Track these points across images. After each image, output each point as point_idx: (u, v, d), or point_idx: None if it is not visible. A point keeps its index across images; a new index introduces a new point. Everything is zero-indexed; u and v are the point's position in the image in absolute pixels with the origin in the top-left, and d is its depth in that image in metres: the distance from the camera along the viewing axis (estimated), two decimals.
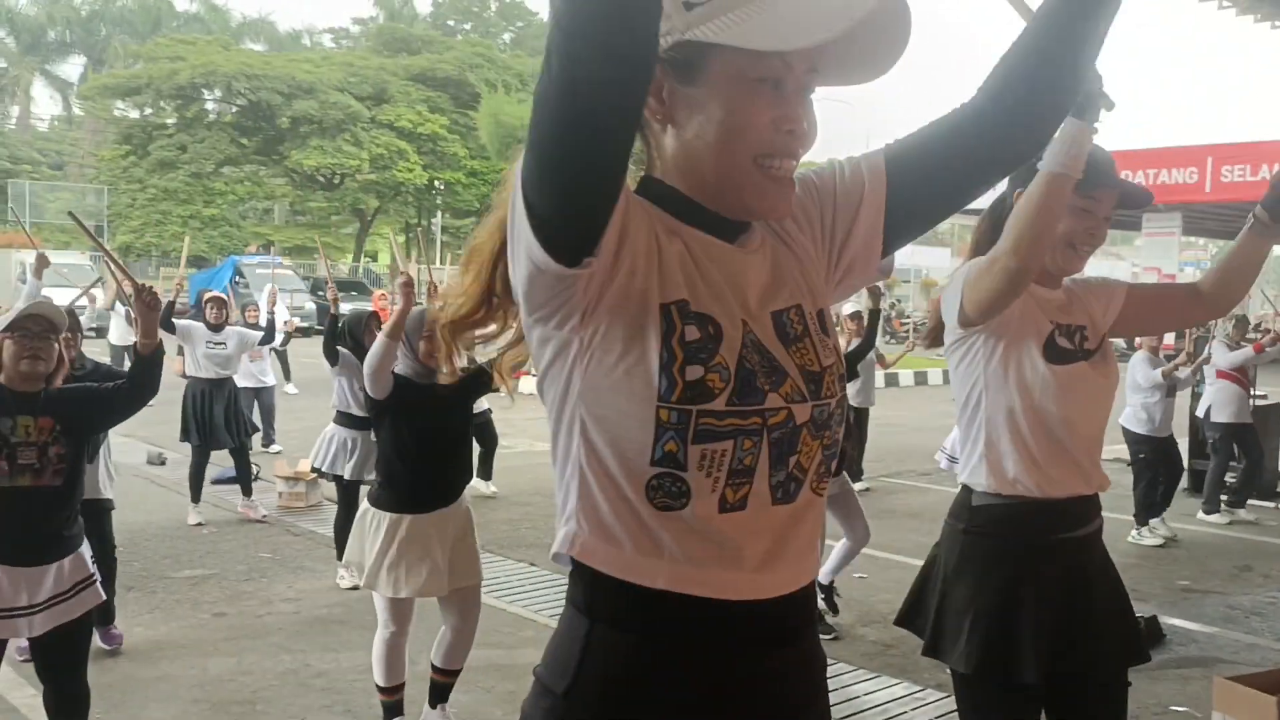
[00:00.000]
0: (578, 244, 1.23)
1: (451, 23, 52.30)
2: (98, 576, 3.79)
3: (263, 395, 10.96)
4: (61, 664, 3.76)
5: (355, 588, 6.43)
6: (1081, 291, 2.65)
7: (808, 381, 1.36)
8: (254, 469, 9.82)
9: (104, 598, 3.87)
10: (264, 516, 8.25)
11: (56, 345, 3.67)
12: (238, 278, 29.09)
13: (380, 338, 4.10)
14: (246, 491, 8.37)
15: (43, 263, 6.44)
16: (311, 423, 12.17)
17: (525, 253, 1.25)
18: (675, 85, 1.33)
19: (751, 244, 1.42)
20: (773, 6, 1.27)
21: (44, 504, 3.57)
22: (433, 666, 4.39)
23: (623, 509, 1.31)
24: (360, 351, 5.69)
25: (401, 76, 40.26)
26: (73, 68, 54.24)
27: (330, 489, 8.73)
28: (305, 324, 25.11)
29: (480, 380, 4.57)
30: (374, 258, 48.85)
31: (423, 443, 4.19)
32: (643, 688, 1.33)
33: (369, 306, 8.79)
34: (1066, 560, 2.56)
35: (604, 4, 1.09)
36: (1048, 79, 1.43)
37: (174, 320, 7.82)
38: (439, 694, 4.41)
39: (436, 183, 40.36)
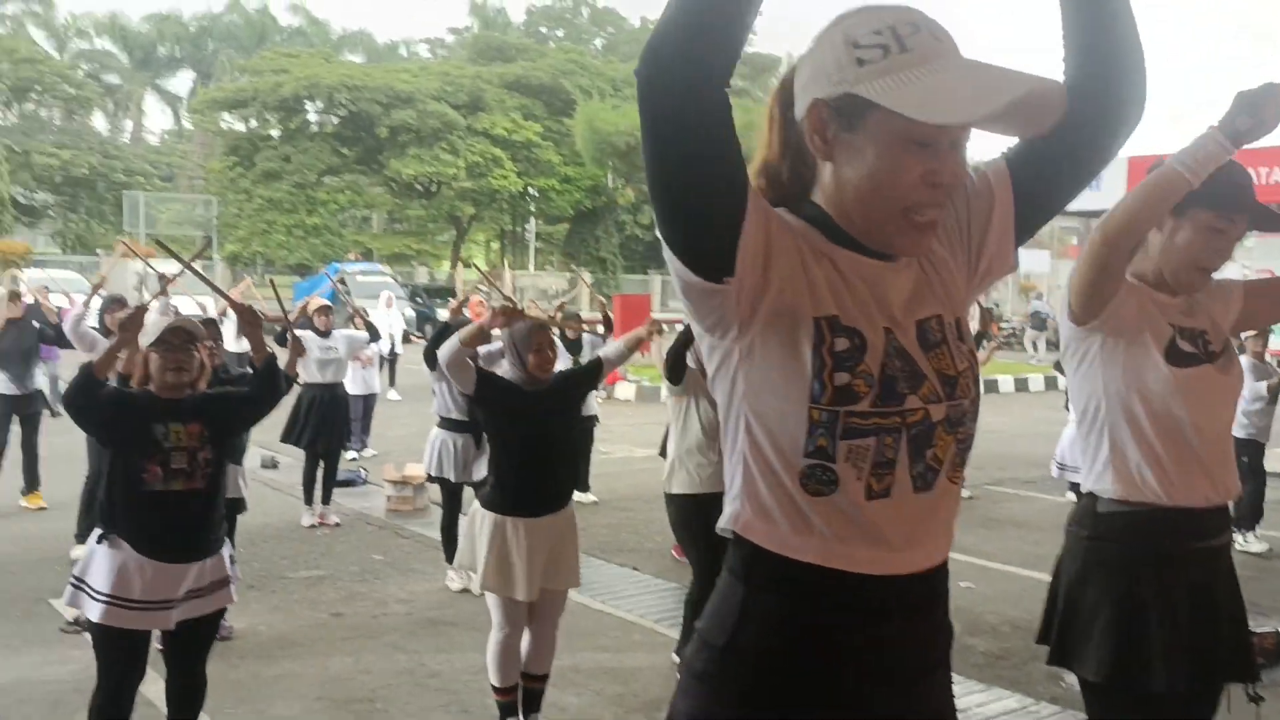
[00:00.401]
0: (710, 264, 1.41)
1: (544, 30, 52.92)
2: (235, 578, 3.98)
3: (368, 401, 11.26)
4: (184, 655, 3.95)
5: (465, 590, 6.59)
6: (1201, 295, 2.62)
7: (944, 384, 1.52)
8: (362, 473, 10.12)
9: (235, 600, 4.05)
10: (337, 524, 8.39)
11: (197, 355, 3.86)
12: (341, 285, 29.81)
13: (453, 339, 4.22)
14: (325, 499, 8.53)
15: (166, 281, 6.76)
16: (415, 428, 12.45)
17: (672, 267, 1.45)
18: (838, 130, 1.47)
19: (898, 261, 1.56)
20: (936, 75, 1.38)
21: (194, 506, 3.77)
22: (522, 675, 4.46)
23: (780, 493, 1.50)
24: None
25: (496, 84, 40.85)
26: (182, 83, 56.31)
27: (438, 493, 8.96)
28: (405, 330, 25.61)
29: (585, 383, 4.67)
30: (469, 265, 49.64)
31: (528, 448, 4.29)
32: (790, 644, 1.51)
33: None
34: (1196, 570, 2.53)
35: (681, 40, 1.30)
36: (1096, 43, 1.58)
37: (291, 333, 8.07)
38: (530, 702, 4.48)
39: (530, 189, 40.86)
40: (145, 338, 3.93)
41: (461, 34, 54.50)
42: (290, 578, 6.82)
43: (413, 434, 12.39)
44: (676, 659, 5.23)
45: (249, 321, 4.01)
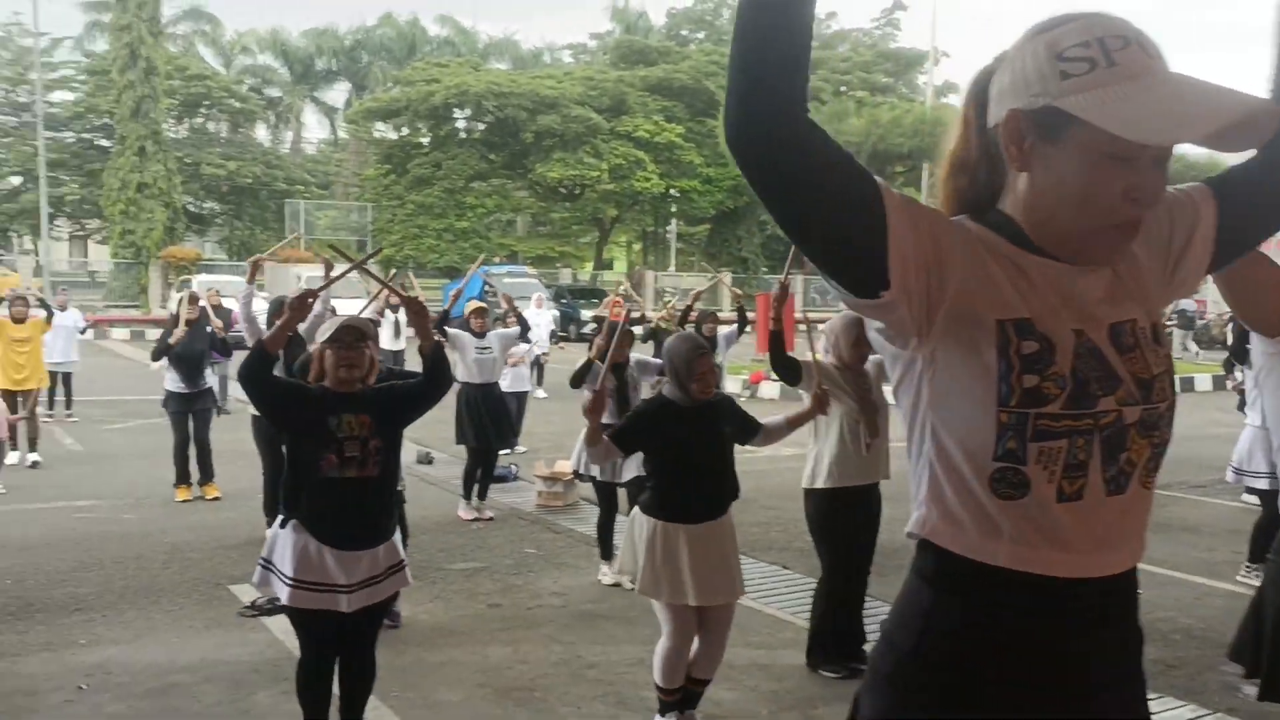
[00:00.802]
0: (863, 281, 1.42)
1: (685, 32, 53.02)
2: (407, 562, 4.14)
3: (520, 399, 11.50)
4: (359, 639, 4.12)
5: (616, 585, 6.68)
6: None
7: (1139, 387, 1.49)
8: (513, 469, 10.34)
9: (410, 583, 4.22)
10: (491, 518, 8.58)
11: (368, 351, 4.03)
12: (486, 286, 30.50)
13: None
14: (482, 495, 8.74)
15: (256, 269, 7.20)
16: (561, 426, 12.68)
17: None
18: (1036, 140, 1.45)
19: (1089, 265, 1.53)
20: (1145, 93, 1.35)
21: (366, 494, 3.94)
22: (686, 677, 4.46)
23: (967, 498, 1.49)
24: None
25: (639, 88, 41.14)
26: (338, 94, 58.36)
27: (588, 489, 9.09)
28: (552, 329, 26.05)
29: (738, 435, 4.59)
30: (610, 265, 50.21)
31: (684, 458, 4.30)
32: (977, 649, 1.50)
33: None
34: None
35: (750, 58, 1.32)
36: None
37: (445, 328, 8.32)
38: (689, 700, 4.49)
39: (672, 190, 41.02)
40: (321, 335, 4.12)
41: (604, 39, 55.06)
42: (449, 569, 7.02)
43: (560, 431, 12.62)
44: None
45: (417, 312, 4.19)
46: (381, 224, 39.53)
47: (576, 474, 7.33)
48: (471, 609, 6.25)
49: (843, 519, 5.17)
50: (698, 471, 4.33)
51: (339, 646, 4.11)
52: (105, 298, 34.19)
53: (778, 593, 6.62)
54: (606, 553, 6.86)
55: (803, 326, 5.27)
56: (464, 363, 8.62)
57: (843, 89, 41.18)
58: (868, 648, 5.11)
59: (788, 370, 4.97)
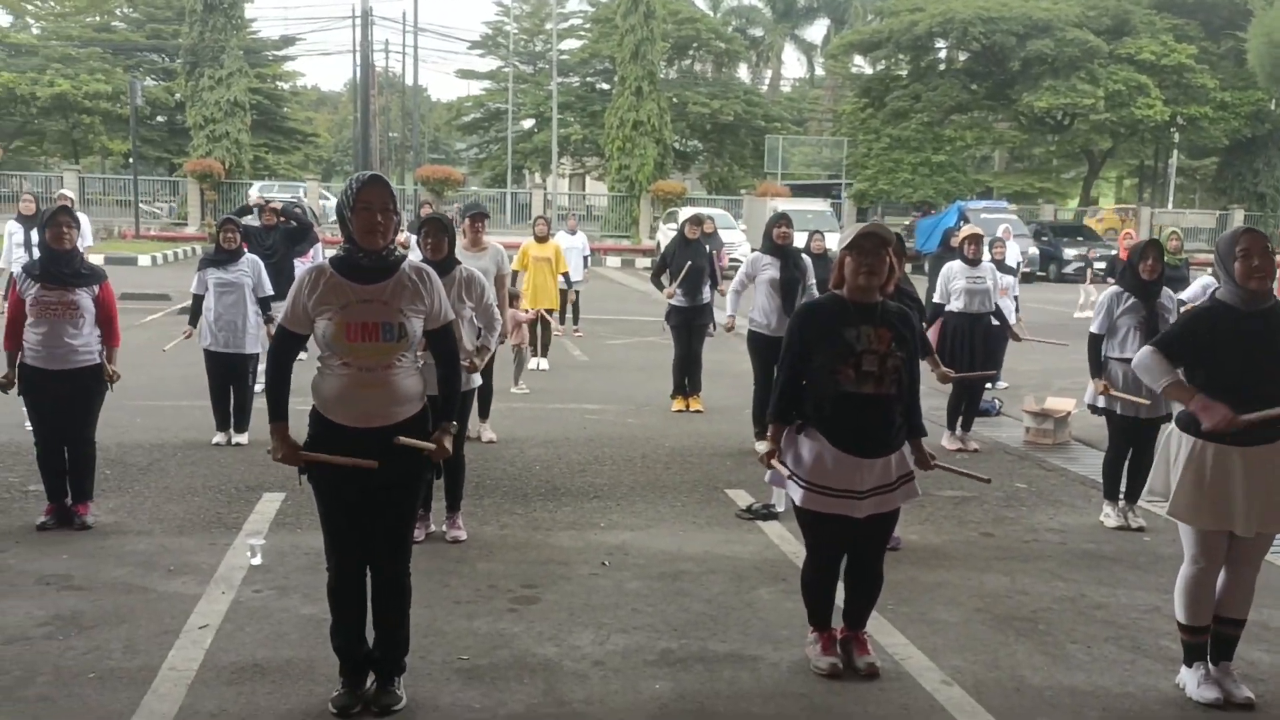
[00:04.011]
0: None
1: None
2: (915, 473, 4.10)
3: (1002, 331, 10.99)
4: (868, 547, 4.18)
5: (1122, 528, 6.23)
6: None
7: None
8: (996, 404, 9.95)
9: (919, 494, 4.18)
10: (976, 449, 8.30)
11: (888, 259, 3.98)
12: (963, 223, 29.50)
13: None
14: (966, 426, 8.54)
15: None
16: (1048, 364, 12.02)
17: None
18: None
19: None
20: None
21: (879, 411, 3.94)
22: (1215, 618, 4.03)
23: None
24: None
25: (1144, 5, 37.44)
26: (818, 30, 58.73)
27: (1080, 428, 8.56)
28: (1028, 269, 24.71)
29: None
30: (1095, 202, 46.54)
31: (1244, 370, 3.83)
32: None
33: (1104, 253, 8.35)
34: None
35: None
36: None
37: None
38: (1221, 648, 4.05)
39: (1178, 118, 37.07)
40: (841, 241, 4.13)
41: None
42: (936, 495, 6.90)
43: (1046, 369, 11.97)
44: None
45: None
46: (856, 159, 39.41)
47: (1092, 407, 6.70)
48: (963, 535, 6.11)
49: None
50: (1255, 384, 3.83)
51: (845, 550, 4.17)
52: (601, 228, 37.20)
53: None
54: (1112, 491, 6.39)
55: None
56: (956, 292, 8.35)
57: None
58: None
59: None
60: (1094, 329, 6.36)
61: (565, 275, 12.28)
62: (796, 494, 4.06)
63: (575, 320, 15.01)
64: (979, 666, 4.30)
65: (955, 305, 8.39)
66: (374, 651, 3.86)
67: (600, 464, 7.58)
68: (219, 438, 7.74)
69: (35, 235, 10.50)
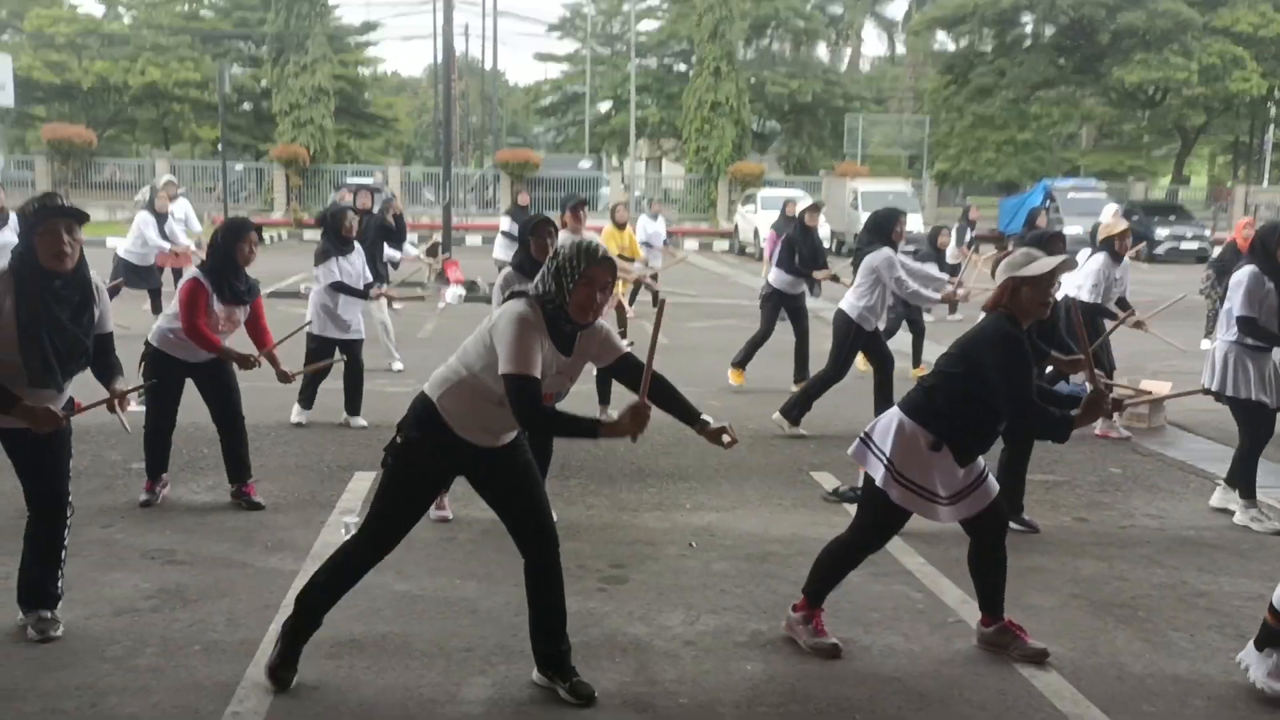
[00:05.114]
0: None
1: None
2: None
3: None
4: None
5: (1222, 510, 6.06)
6: None
7: None
8: (1086, 386, 9.72)
9: (994, 492, 4.19)
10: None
11: None
12: (1049, 202, 28.82)
13: None
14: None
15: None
16: (1139, 347, 11.68)
17: None
18: None
19: None
20: None
21: None
22: None
23: None
24: None
25: None
26: (898, 8, 57.95)
27: (1175, 412, 8.34)
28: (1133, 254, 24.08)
29: None
30: (1187, 180, 45.21)
31: None
32: None
33: (1196, 233, 8.00)
34: None
35: None
36: None
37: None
38: None
39: (1275, 92, 35.78)
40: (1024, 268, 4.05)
41: None
42: (1028, 480, 6.76)
43: (1134, 353, 11.64)
44: None
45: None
46: (938, 137, 38.78)
47: (1218, 394, 6.31)
48: (1056, 520, 5.99)
49: None
50: None
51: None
52: (678, 211, 37.14)
53: None
54: (1251, 490, 5.97)
55: None
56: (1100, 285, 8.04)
57: None
58: None
59: None
60: (1245, 312, 5.77)
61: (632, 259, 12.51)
62: (878, 472, 4.06)
63: (630, 302, 15.04)
64: (1077, 653, 4.22)
65: (1092, 298, 8.04)
66: (560, 645, 3.82)
67: (684, 445, 7.57)
68: (300, 416, 7.90)
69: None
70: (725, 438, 3.65)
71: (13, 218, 9.23)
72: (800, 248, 9.76)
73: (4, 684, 3.76)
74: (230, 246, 5.67)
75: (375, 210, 11.40)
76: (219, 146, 31.09)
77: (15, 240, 4.09)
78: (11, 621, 4.22)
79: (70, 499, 4.25)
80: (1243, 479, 5.99)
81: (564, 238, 6.91)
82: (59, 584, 4.23)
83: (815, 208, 10.29)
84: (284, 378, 5.97)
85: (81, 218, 4.00)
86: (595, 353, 3.76)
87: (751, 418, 8.51)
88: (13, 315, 3.90)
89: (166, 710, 3.63)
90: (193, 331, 5.58)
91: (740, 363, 9.88)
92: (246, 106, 44.29)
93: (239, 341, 5.89)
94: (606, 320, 3.85)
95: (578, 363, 3.74)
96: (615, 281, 3.75)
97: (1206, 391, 5.98)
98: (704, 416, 3.70)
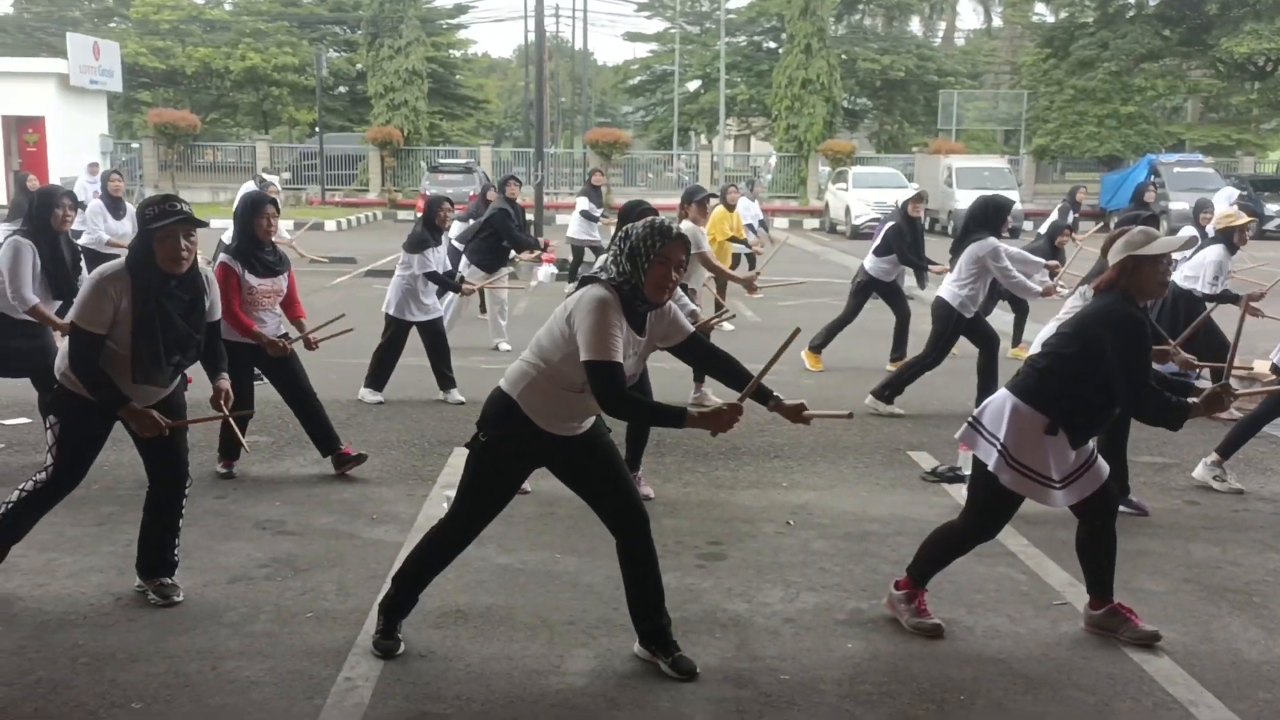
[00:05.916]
0: None
1: None
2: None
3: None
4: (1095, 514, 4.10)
5: None
6: None
7: None
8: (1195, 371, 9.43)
9: (1104, 475, 4.08)
10: None
11: None
12: (1154, 178, 27.94)
13: None
14: None
15: None
16: (1247, 326, 11.28)
17: None
18: None
19: None
20: None
21: None
22: None
23: None
24: None
25: None
26: None
27: None
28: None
29: None
30: None
31: None
32: None
33: None
34: None
35: None
36: None
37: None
38: None
39: None
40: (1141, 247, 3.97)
41: None
42: (1135, 461, 6.58)
43: (1243, 331, 11.24)
44: None
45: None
46: (1037, 111, 37.76)
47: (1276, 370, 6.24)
48: (1166, 503, 5.85)
49: None
50: None
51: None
52: (769, 189, 36.83)
53: None
54: None
55: None
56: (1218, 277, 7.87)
57: None
58: None
59: None
60: None
61: (743, 241, 12.70)
62: (990, 456, 3.99)
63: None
64: (1190, 638, 4.12)
65: (1212, 289, 7.83)
66: (660, 620, 3.85)
67: (779, 424, 7.44)
68: (373, 397, 7.96)
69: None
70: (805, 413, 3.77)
71: (130, 209, 9.36)
72: (906, 236, 9.69)
73: (129, 647, 3.93)
74: (249, 223, 5.87)
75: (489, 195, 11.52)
76: (315, 129, 31.73)
77: (131, 231, 4.21)
78: (133, 588, 4.39)
79: (188, 471, 4.41)
80: None
81: (687, 227, 7.04)
82: (176, 552, 4.40)
83: (919, 198, 10.16)
84: (309, 344, 6.09)
85: (199, 223, 4.12)
86: (664, 332, 3.77)
87: (846, 396, 8.45)
88: (129, 313, 4.04)
89: (283, 675, 3.75)
90: (229, 315, 5.53)
91: (818, 346, 9.77)
92: (342, 90, 45.09)
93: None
94: (705, 295, 3.88)
95: (649, 344, 3.76)
96: (689, 259, 3.76)
97: None
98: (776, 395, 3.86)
